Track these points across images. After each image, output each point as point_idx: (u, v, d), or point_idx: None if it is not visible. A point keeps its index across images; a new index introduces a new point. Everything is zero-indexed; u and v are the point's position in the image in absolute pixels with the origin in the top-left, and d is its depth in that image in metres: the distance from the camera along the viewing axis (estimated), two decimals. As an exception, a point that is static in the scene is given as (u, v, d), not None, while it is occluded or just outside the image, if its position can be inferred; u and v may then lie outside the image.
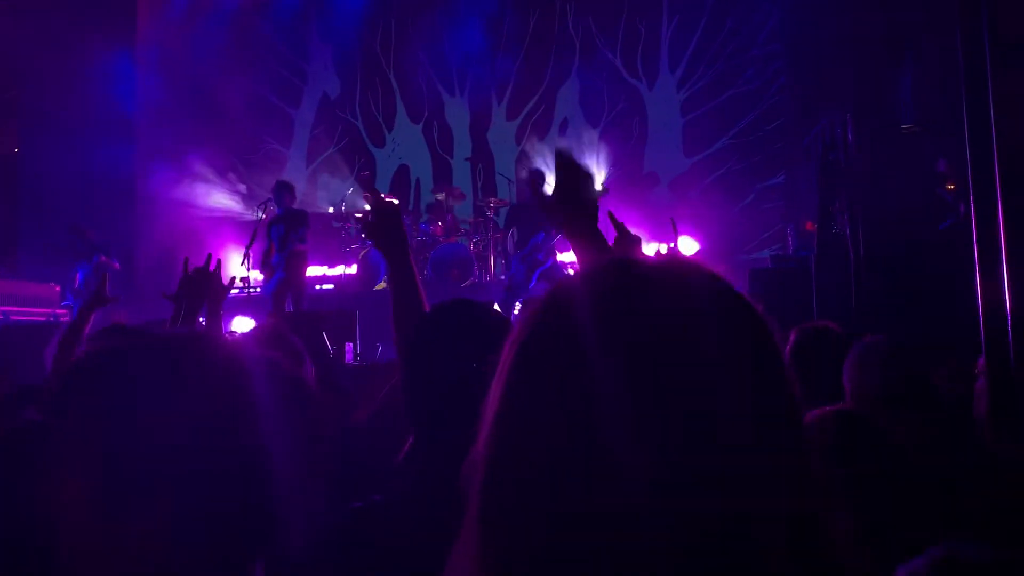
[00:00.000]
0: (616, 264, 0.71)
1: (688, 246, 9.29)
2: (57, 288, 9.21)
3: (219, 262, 2.92)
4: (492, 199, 9.99)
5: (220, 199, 11.05)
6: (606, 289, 0.69)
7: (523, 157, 10.99)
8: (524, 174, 9.49)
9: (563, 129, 10.99)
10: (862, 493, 1.65)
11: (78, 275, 8.60)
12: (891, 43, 6.30)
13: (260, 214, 8.62)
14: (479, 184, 10.98)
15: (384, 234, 1.94)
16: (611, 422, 0.62)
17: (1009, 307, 1.95)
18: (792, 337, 2.95)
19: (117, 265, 8.71)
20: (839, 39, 7.16)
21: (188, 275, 2.52)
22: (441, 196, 10.02)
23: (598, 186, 9.33)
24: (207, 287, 2.52)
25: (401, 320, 1.89)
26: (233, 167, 11.39)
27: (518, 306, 7.43)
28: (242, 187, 11.40)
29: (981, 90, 2.03)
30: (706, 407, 0.63)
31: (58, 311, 8.83)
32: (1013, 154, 1.96)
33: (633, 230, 2.34)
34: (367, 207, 9.72)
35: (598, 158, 10.35)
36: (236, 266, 8.55)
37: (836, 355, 2.47)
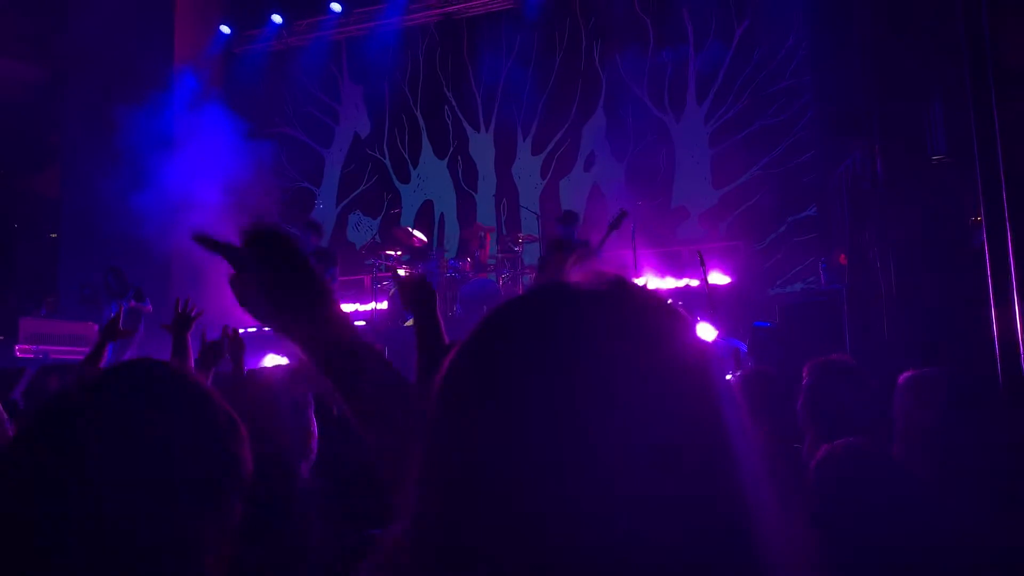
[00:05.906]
0: (549, 288, 0.68)
1: (718, 279, 9.20)
2: (96, 327, 9.40)
3: (224, 328, 3.10)
4: (519, 234, 10.02)
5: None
6: (535, 314, 0.66)
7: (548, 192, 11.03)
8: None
9: (589, 164, 11.02)
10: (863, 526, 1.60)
11: (111, 314, 8.77)
12: (920, 74, 6.23)
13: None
14: (503, 219, 11.02)
15: (414, 301, 2.18)
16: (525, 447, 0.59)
17: (1021, 336, 1.90)
18: (806, 373, 2.92)
19: (149, 308, 8.89)
20: (867, 71, 7.09)
21: (181, 313, 2.62)
22: (481, 234, 10.10)
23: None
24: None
25: (424, 366, 2.09)
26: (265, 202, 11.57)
27: None
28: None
29: (988, 122, 2.01)
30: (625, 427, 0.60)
31: (95, 350, 8.98)
32: (1020, 184, 1.92)
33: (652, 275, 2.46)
34: (400, 272, 9.85)
35: (624, 192, 10.32)
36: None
37: (845, 386, 2.47)
